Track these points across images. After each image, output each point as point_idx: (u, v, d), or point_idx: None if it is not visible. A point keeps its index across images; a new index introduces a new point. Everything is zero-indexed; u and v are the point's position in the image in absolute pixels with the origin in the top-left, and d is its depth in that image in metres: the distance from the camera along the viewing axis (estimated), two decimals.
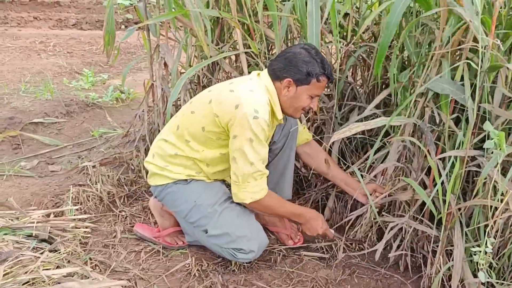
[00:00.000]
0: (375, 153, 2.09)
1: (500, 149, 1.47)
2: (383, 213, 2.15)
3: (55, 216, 2.23)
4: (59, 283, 1.70)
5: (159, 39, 2.77)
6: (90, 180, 2.62)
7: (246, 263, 2.12)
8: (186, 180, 2.06)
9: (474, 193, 1.78)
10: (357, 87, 2.58)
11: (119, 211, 2.46)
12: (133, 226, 2.33)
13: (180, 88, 2.34)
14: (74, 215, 2.24)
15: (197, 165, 2.05)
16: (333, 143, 2.44)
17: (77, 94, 3.99)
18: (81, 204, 2.42)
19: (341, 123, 2.55)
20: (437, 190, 1.75)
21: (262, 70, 2.07)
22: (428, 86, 1.79)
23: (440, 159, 1.87)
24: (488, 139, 1.56)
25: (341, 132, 1.91)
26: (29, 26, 6.75)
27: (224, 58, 2.53)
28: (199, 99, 2.05)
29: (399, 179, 2.02)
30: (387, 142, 2.14)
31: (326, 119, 2.53)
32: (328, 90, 2.60)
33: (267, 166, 2.20)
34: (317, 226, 2.14)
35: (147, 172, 2.22)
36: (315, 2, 2.08)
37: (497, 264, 1.79)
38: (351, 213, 2.21)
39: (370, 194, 2.08)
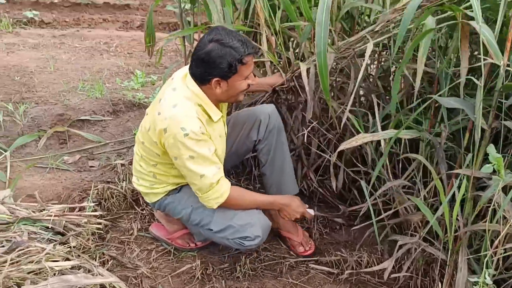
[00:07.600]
0: None
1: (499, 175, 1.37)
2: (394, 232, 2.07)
3: (78, 210, 2.35)
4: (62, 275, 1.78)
5: (193, 45, 2.84)
6: (118, 177, 2.73)
7: (251, 271, 2.12)
8: (176, 189, 2.10)
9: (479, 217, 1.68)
10: None
11: (141, 209, 2.54)
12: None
13: None
14: (92, 211, 2.33)
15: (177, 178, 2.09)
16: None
17: (125, 94, 4.15)
18: (105, 201, 2.53)
19: None
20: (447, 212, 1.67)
21: None
22: (438, 100, 1.71)
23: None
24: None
25: (347, 142, 1.89)
26: (98, 28, 7.08)
27: None
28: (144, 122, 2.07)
29: (407, 198, 1.94)
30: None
31: None
32: None
33: (264, 167, 2.24)
34: (293, 210, 2.14)
35: None
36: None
37: None
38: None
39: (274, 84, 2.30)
